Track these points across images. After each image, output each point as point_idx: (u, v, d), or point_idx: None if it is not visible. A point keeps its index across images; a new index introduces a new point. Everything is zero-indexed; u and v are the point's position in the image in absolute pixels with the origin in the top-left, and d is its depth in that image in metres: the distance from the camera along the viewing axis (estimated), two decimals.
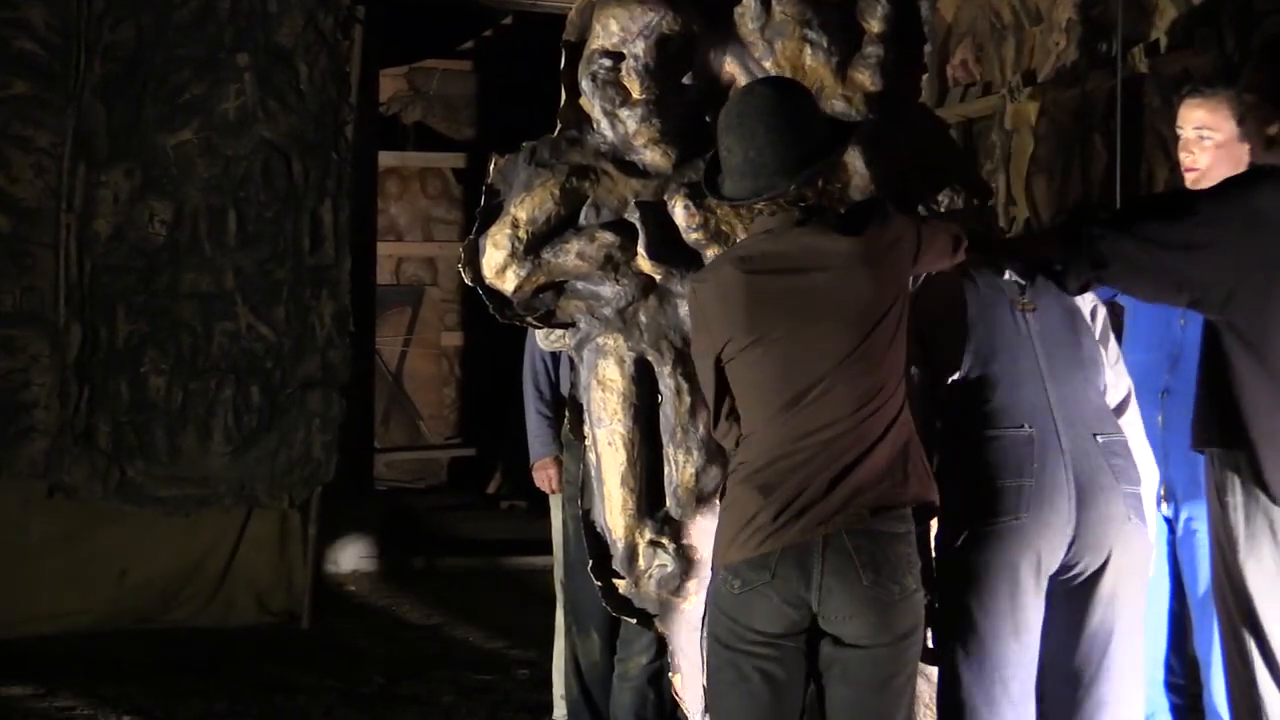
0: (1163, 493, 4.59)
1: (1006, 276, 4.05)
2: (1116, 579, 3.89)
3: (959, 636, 3.91)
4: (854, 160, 4.68)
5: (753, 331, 3.79)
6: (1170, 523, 4.61)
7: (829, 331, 3.72)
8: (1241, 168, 4.44)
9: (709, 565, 4.67)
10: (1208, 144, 4.59)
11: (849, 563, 3.59)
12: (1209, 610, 4.48)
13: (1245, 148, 4.42)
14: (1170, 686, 4.84)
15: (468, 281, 4.73)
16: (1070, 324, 4.01)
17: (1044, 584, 3.87)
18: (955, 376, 3.94)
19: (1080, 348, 4.00)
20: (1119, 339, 4.49)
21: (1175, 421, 4.50)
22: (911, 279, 3.96)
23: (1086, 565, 3.87)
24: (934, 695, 4.21)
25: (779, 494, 3.68)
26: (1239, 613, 3.83)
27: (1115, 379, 4.07)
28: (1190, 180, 4.66)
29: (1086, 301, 4.10)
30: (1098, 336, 4.09)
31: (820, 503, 3.63)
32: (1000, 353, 3.92)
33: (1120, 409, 4.07)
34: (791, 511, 3.64)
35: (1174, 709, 4.83)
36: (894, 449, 3.67)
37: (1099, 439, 3.89)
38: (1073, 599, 3.91)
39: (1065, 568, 3.87)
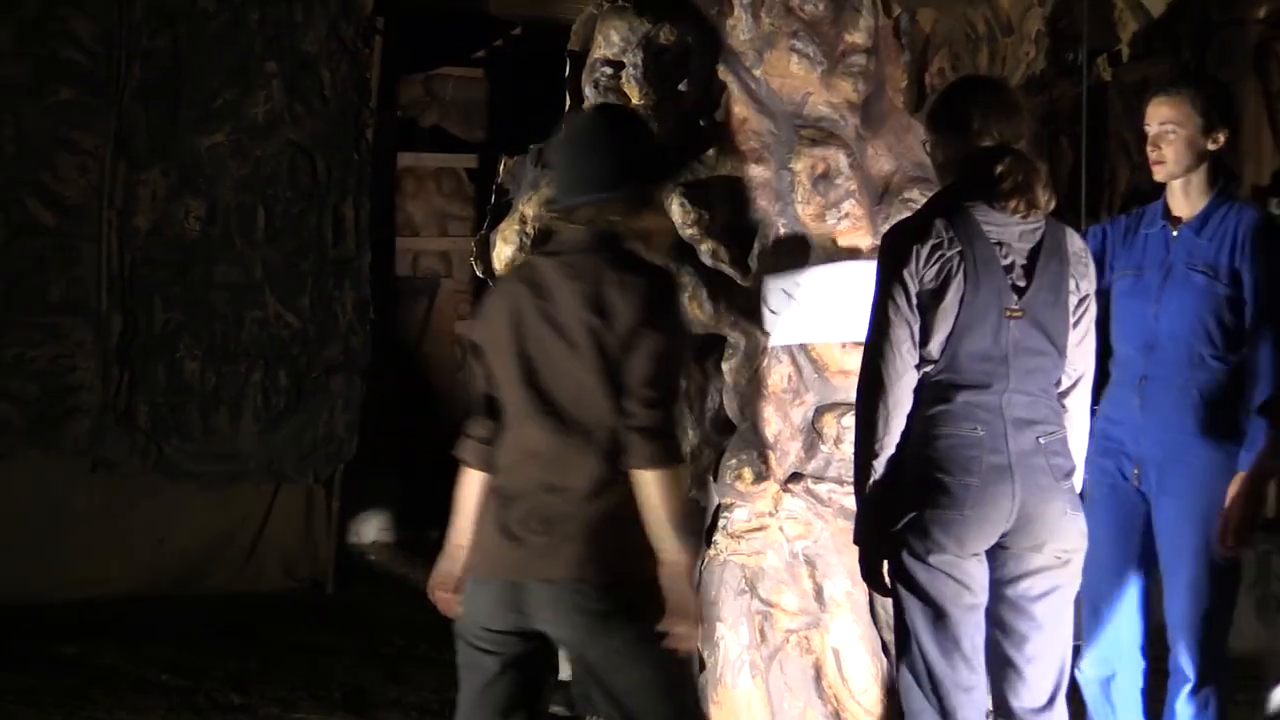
0: (1136, 471, 4.62)
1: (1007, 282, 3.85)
2: (1049, 559, 3.88)
3: (913, 597, 3.89)
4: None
5: (509, 340, 3.50)
6: (1144, 495, 4.64)
7: (548, 353, 3.44)
8: (1201, 161, 4.55)
9: (702, 537, 4.69)
10: (1172, 138, 4.59)
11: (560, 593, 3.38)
12: (1178, 576, 4.55)
13: (1205, 141, 4.54)
14: (1142, 649, 4.87)
15: (479, 274, 4.74)
16: (1049, 329, 3.89)
17: (983, 555, 3.87)
18: (928, 369, 3.88)
19: (1048, 355, 3.89)
20: (1106, 328, 4.55)
21: (1152, 403, 4.56)
22: None
23: (1022, 548, 3.86)
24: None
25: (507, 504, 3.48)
26: None
27: (1075, 358, 3.97)
28: (1157, 172, 4.66)
29: (1082, 291, 3.95)
30: (1074, 321, 3.94)
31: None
32: (975, 360, 3.83)
33: (1070, 389, 3.99)
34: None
35: (1145, 671, 4.86)
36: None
37: (1041, 440, 3.83)
38: (1008, 565, 3.90)
39: (1002, 546, 3.86)
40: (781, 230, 4.88)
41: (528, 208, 4.69)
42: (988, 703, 4.00)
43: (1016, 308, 3.81)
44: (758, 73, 4.95)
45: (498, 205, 4.71)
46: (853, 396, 4.59)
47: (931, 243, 3.81)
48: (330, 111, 8.35)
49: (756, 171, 4.90)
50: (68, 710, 5.77)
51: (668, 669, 3.39)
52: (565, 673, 5.80)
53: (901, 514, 3.83)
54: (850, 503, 4.76)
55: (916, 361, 3.83)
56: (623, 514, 3.34)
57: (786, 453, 4.82)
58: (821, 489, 4.80)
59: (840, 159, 4.91)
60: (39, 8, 7.81)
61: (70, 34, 7.88)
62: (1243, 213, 4.57)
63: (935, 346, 3.83)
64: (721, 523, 4.71)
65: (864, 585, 4.72)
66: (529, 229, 4.65)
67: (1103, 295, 4.39)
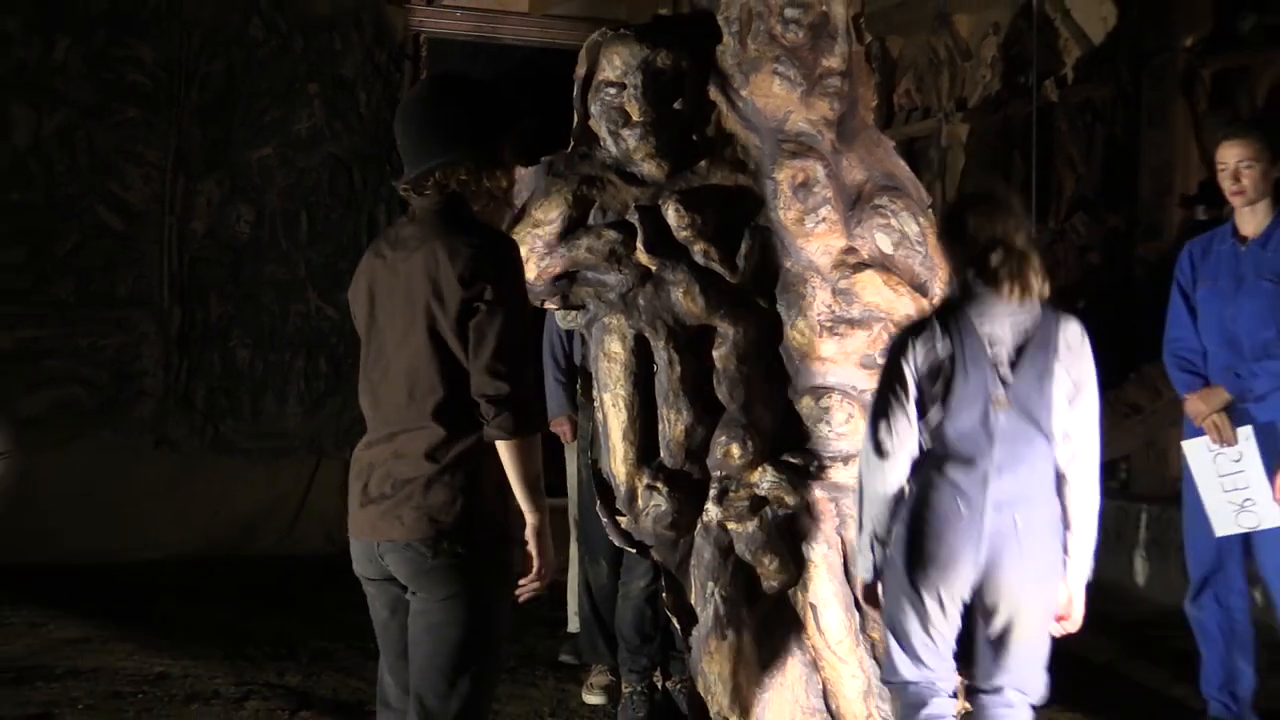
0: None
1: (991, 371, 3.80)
2: (1013, 610, 3.85)
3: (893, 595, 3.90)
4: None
5: (365, 315, 3.34)
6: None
7: (393, 324, 3.23)
8: (1269, 188, 4.84)
9: (695, 506, 4.68)
10: (1250, 171, 4.81)
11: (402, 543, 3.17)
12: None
13: (1275, 171, 4.82)
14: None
15: None
16: (1037, 416, 3.80)
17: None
18: (924, 443, 3.83)
19: (1035, 442, 3.81)
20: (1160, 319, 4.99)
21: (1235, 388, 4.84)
22: None
23: (987, 600, 3.84)
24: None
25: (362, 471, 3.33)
26: None
27: (1073, 440, 3.87)
28: (1239, 201, 4.86)
29: (1074, 377, 3.85)
30: (1071, 404, 3.84)
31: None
32: (963, 440, 3.78)
33: (1070, 467, 3.89)
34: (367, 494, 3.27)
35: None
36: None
37: (1018, 520, 3.78)
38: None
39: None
40: (765, 233, 4.87)
41: (539, 212, 4.68)
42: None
43: (1002, 398, 3.77)
44: (744, 93, 4.93)
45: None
46: (829, 381, 4.56)
47: (924, 336, 3.82)
48: (366, 128, 8.35)
49: (742, 181, 4.89)
50: (138, 659, 5.77)
51: (467, 642, 3.14)
52: (573, 625, 5.82)
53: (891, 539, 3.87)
54: (828, 475, 4.76)
55: (913, 438, 3.81)
56: (460, 477, 3.13)
57: (769, 431, 4.81)
58: (801, 463, 4.79)
59: (818, 170, 4.89)
60: (107, 37, 7.82)
61: (135, 60, 7.90)
62: None
63: (930, 424, 3.81)
64: (712, 493, 4.69)
65: (838, 548, 4.72)
66: (540, 231, 4.64)
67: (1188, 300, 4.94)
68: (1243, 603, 4.94)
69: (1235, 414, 4.81)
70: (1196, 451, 4.91)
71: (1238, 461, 4.66)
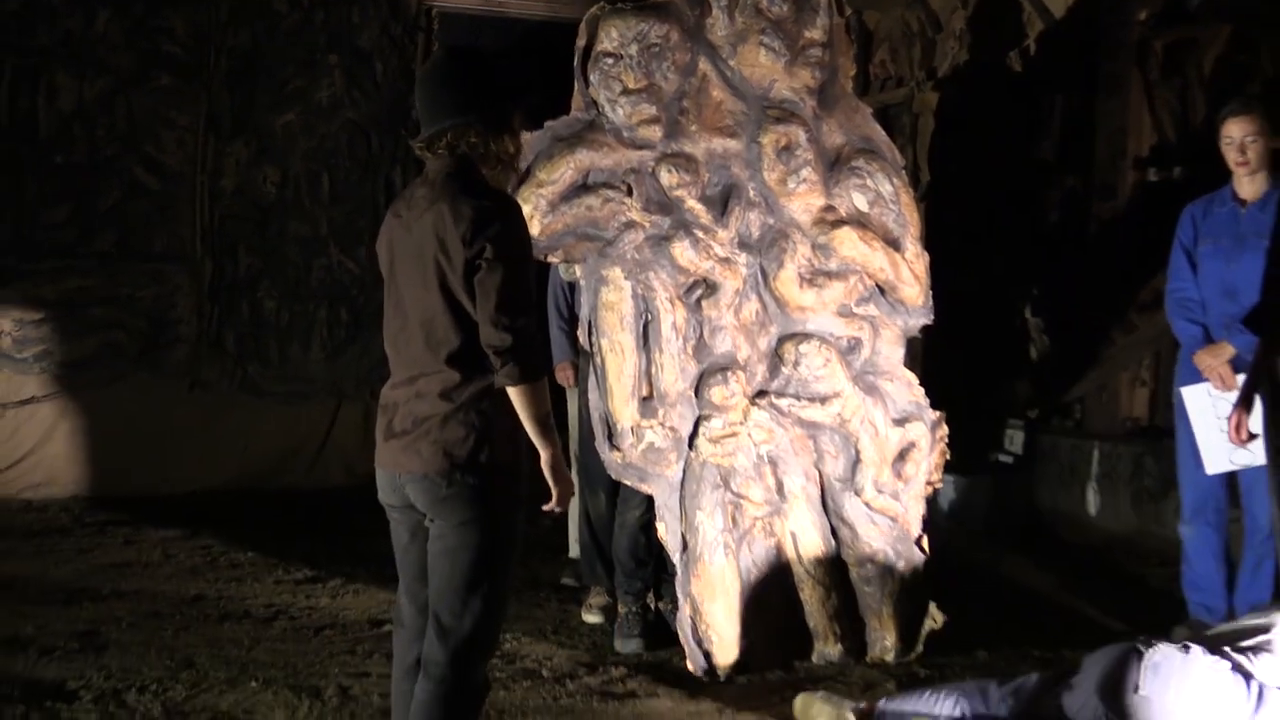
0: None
1: None
2: None
3: None
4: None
5: (387, 269, 3.32)
6: None
7: (409, 279, 3.23)
8: (1270, 164, 4.93)
9: (685, 442, 4.69)
10: (1254, 144, 4.91)
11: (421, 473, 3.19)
12: None
13: (1274, 142, 4.93)
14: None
15: None
16: None
17: None
18: None
19: None
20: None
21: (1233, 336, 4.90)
22: None
23: None
24: None
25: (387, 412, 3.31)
26: None
27: None
28: (1243, 171, 4.95)
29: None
30: None
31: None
32: None
33: None
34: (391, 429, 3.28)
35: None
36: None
37: None
38: None
39: None
40: (751, 192, 4.87)
41: (543, 173, 4.67)
42: None
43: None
44: (732, 63, 4.92)
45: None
46: (809, 328, 4.54)
47: None
48: (382, 96, 8.30)
49: (730, 144, 4.88)
50: (176, 583, 5.80)
51: (479, 564, 3.15)
52: (574, 551, 5.85)
53: None
54: (806, 414, 4.77)
55: None
56: (474, 415, 3.14)
57: (754, 374, 4.82)
58: (782, 403, 4.81)
59: (800, 134, 4.89)
60: (144, 9, 7.77)
61: (169, 30, 7.85)
62: None
63: None
64: (701, 430, 4.71)
65: (816, 480, 4.74)
66: (544, 191, 4.64)
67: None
68: (1223, 525, 5.07)
69: (1234, 362, 4.89)
70: (1196, 396, 4.97)
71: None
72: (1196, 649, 3.71)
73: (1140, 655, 3.67)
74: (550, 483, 3.23)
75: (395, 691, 3.33)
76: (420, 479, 3.18)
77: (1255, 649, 3.72)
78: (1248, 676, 3.63)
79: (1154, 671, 3.62)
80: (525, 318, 3.15)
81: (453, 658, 3.15)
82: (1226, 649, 3.72)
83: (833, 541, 4.84)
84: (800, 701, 4.16)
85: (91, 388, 7.64)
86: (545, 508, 3.26)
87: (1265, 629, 3.80)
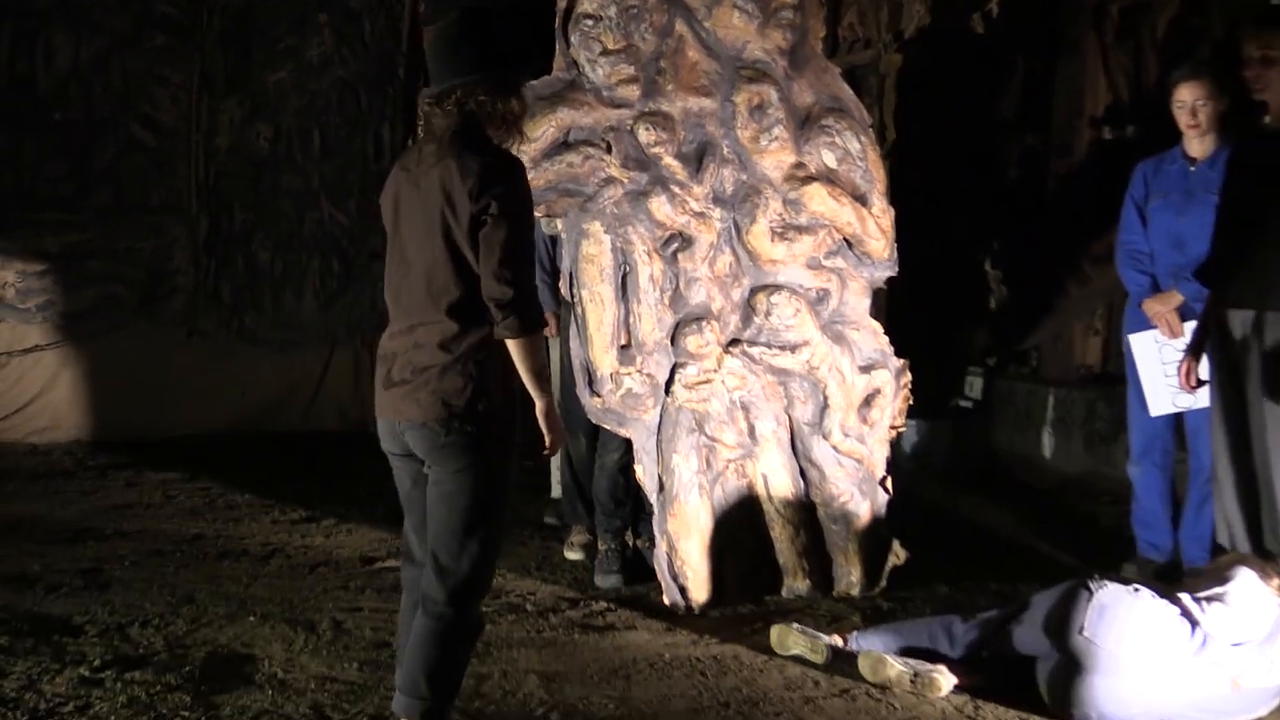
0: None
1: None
2: None
3: None
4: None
5: (391, 222, 3.29)
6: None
7: (414, 232, 3.21)
8: (1219, 125, 4.91)
9: (661, 389, 4.71)
10: (1205, 108, 4.90)
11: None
12: None
13: (1223, 105, 4.89)
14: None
15: None
16: None
17: None
18: None
19: None
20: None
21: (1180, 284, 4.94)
22: None
23: None
24: None
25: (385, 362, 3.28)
26: None
27: None
28: (1193, 134, 4.96)
29: None
30: None
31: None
32: None
33: None
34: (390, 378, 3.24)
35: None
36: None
37: None
38: None
39: None
40: (725, 150, 4.85)
41: (526, 130, 4.64)
42: None
43: None
44: (707, 24, 4.89)
45: None
46: (780, 279, 4.52)
47: None
48: (371, 54, 8.23)
49: (705, 103, 4.86)
50: (176, 523, 5.80)
51: (475, 508, 3.16)
52: (556, 492, 5.87)
53: None
54: (777, 361, 4.79)
55: None
56: (471, 366, 3.13)
57: (727, 323, 4.83)
58: (754, 351, 4.82)
59: (772, 93, 4.87)
60: None
61: None
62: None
63: None
64: (677, 377, 4.72)
65: (786, 425, 4.76)
66: (527, 147, 4.60)
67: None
68: (1169, 466, 5.13)
69: (1181, 310, 4.91)
70: (1143, 343, 5.01)
71: (1181, 352, 4.71)
72: (1146, 591, 3.73)
73: (1089, 595, 3.69)
74: (544, 429, 3.24)
75: (403, 619, 3.36)
76: (419, 427, 3.18)
77: (1210, 599, 3.74)
78: (1194, 623, 3.65)
79: (1099, 614, 3.64)
80: (527, 272, 3.16)
81: (450, 596, 3.18)
82: (1182, 595, 3.74)
83: (801, 482, 4.87)
84: (776, 632, 4.20)
85: (93, 337, 7.60)
86: (545, 453, 3.29)
87: (1224, 581, 3.83)
